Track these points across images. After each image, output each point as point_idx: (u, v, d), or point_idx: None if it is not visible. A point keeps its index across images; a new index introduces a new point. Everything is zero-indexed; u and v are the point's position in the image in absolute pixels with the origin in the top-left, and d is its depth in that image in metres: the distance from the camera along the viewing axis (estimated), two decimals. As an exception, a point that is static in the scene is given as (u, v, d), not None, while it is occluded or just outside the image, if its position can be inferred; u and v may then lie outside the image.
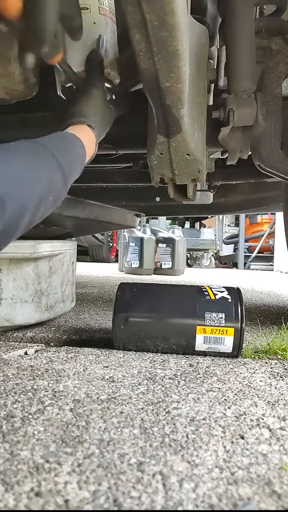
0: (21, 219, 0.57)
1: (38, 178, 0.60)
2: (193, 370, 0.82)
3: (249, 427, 0.57)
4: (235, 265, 7.00)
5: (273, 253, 6.51)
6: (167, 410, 0.62)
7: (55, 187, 0.64)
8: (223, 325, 0.88)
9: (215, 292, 0.92)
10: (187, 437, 0.54)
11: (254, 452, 0.50)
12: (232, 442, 0.53)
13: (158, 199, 1.94)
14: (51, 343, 1.07)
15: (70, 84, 0.86)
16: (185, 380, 0.76)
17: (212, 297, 0.91)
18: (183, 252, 4.27)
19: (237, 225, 7.51)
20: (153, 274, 3.95)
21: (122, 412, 0.61)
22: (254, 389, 0.73)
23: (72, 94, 0.87)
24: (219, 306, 0.89)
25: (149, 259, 3.89)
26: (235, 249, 7.18)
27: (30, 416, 0.58)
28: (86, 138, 0.78)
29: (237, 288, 0.95)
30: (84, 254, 6.39)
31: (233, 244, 7.32)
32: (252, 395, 0.69)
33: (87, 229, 2.38)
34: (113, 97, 0.87)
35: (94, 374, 0.77)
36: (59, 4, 0.68)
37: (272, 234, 6.69)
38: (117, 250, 6.15)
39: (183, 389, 0.71)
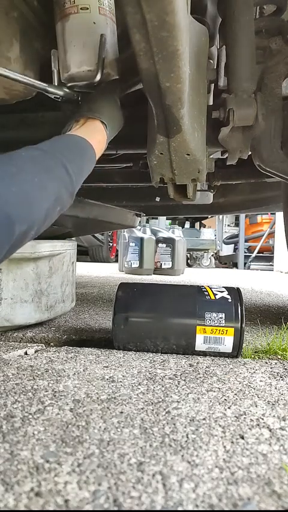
0: (28, 234, 0.57)
1: (47, 194, 0.59)
2: (193, 370, 0.82)
3: (249, 427, 0.57)
4: (235, 265, 7.00)
5: (273, 253, 6.51)
6: (167, 410, 0.62)
7: (62, 200, 0.64)
8: (223, 325, 0.88)
9: (215, 292, 0.92)
10: (187, 437, 0.54)
11: (254, 452, 0.50)
12: (232, 442, 0.53)
13: (158, 199, 1.94)
14: (51, 343, 1.07)
15: (72, 84, 0.86)
16: (185, 380, 0.76)
17: (212, 297, 0.91)
18: (183, 252, 4.27)
19: (237, 225, 7.50)
20: (153, 274, 3.95)
21: (122, 412, 0.61)
22: (254, 389, 0.73)
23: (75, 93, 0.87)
24: (219, 306, 0.89)
25: (149, 259, 3.89)
26: (235, 249, 7.18)
27: (30, 416, 0.58)
28: (98, 137, 0.77)
29: (237, 288, 0.95)
30: (84, 254, 6.39)
31: (233, 244, 7.32)
32: (252, 395, 0.69)
33: (87, 229, 2.38)
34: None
35: (94, 374, 0.77)
36: None
37: (272, 234, 6.69)
38: (117, 250, 6.15)
39: (183, 389, 0.71)
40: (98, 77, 0.83)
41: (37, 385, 0.70)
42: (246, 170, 1.56)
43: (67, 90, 0.86)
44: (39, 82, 0.83)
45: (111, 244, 6.59)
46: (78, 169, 0.67)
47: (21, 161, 0.58)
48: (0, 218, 0.50)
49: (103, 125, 0.79)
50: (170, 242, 4.07)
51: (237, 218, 7.57)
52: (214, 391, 0.70)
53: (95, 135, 0.77)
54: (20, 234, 0.54)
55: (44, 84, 0.84)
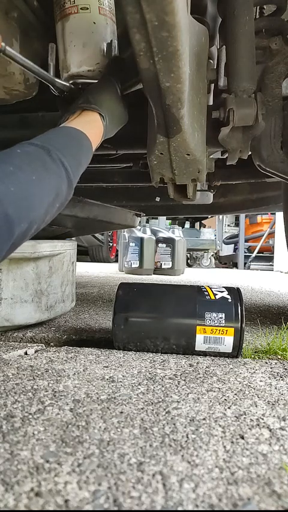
0: (28, 233, 0.56)
1: (46, 191, 0.58)
2: (193, 370, 0.82)
3: (249, 427, 0.57)
4: (235, 265, 7.00)
5: (273, 253, 6.51)
6: (167, 410, 0.62)
7: (61, 195, 0.63)
8: (223, 325, 0.88)
9: (215, 292, 0.92)
10: (187, 437, 0.54)
11: (254, 452, 0.50)
12: (232, 442, 0.53)
13: (158, 199, 1.94)
14: (51, 343, 1.07)
15: (72, 81, 0.86)
16: (185, 380, 0.76)
17: (212, 297, 0.91)
18: (183, 252, 4.27)
19: (237, 225, 7.50)
20: (153, 274, 3.95)
21: (122, 412, 0.61)
22: (254, 389, 0.73)
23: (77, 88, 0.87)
24: (219, 306, 0.89)
25: (149, 259, 3.89)
26: (235, 249, 7.18)
27: (30, 416, 0.58)
28: (94, 128, 0.76)
29: (237, 288, 0.95)
30: (84, 254, 6.39)
31: (233, 244, 7.31)
32: (252, 395, 0.69)
33: (87, 228, 2.38)
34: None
35: (94, 374, 0.77)
36: None
37: (272, 234, 6.69)
38: (117, 250, 6.15)
39: (183, 389, 0.71)
40: None
41: (37, 385, 0.70)
42: (246, 170, 1.56)
43: (72, 86, 0.86)
44: (48, 74, 0.82)
45: (111, 244, 6.59)
46: (75, 162, 0.66)
47: (18, 159, 0.57)
48: None
49: (100, 117, 0.78)
50: (170, 242, 4.07)
51: (237, 218, 7.56)
52: (214, 391, 0.70)
53: (91, 126, 0.75)
54: (20, 234, 0.54)
55: (52, 77, 0.83)
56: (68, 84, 0.85)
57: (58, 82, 0.84)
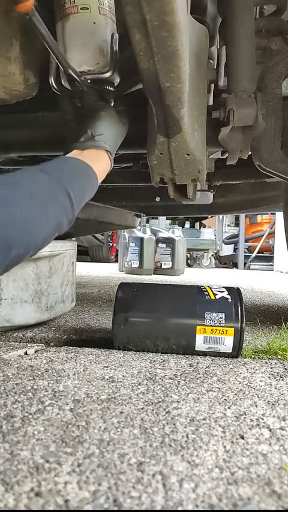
0: (23, 257, 0.58)
1: (49, 222, 0.60)
2: (193, 370, 0.82)
3: (249, 427, 0.57)
4: (235, 265, 7.00)
5: (273, 253, 6.51)
6: (167, 410, 0.62)
7: (61, 227, 0.65)
8: (223, 325, 0.88)
9: (215, 292, 0.92)
10: (187, 437, 0.54)
11: (254, 452, 0.50)
12: (232, 442, 0.53)
13: (158, 199, 1.94)
14: (51, 343, 1.07)
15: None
16: (185, 380, 0.76)
17: (212, 297, 0.91)
18: (183, 252, 4.27)
19: (237, 225, 7.50)
20: (153, 274, 3.95)
21: (122, 412, 0.61)
22: (254, 389, 0.73)
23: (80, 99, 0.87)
24: (219, 306, 0.89)
25: (149, 259, 3.89)
26: (235, 249, 7.18)
27: (30, 416, 0.58)
28: (102, 164, 0.79)
29: (237, 288, 0.95)
30: (84, 254, 6.39)
31: (233, 244, 7.31)
32: (252, 395, 0.69)
33: (87, 229, 2.38)
34: (119, 107, 0.88)
35: (94, 374, 0.77)
36: None
37: (272, 234, 6.69)
38: (117, 250, 6.15)
39: (183, 389, 0.71)
40: (109, 74, 0.82)
41: (37, 385, 0.70)
42: (246, 170, 1.56)
43: (83, 78, 0.85)
44: (64, 57, 0.82)
45: (111, 244, 6.59)
46: (80, 196, 0.69)
47: (29, 186, 0.60)
48: None
49: (107, 153, 0.81)
50: (170, 242, 4.07)
51: (237, 218, 7.56)
52: (214, 391, 0.70)
53: (99, 162, 0.79)
54: (15, 258, 0.56)
55: (68, 62, 0.82)
56: (76, 75, 0.84)
57: (72, 68, 0.83)
